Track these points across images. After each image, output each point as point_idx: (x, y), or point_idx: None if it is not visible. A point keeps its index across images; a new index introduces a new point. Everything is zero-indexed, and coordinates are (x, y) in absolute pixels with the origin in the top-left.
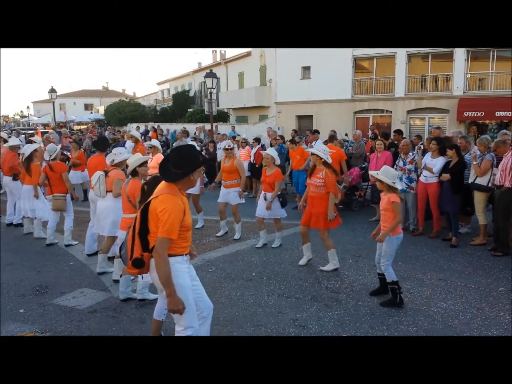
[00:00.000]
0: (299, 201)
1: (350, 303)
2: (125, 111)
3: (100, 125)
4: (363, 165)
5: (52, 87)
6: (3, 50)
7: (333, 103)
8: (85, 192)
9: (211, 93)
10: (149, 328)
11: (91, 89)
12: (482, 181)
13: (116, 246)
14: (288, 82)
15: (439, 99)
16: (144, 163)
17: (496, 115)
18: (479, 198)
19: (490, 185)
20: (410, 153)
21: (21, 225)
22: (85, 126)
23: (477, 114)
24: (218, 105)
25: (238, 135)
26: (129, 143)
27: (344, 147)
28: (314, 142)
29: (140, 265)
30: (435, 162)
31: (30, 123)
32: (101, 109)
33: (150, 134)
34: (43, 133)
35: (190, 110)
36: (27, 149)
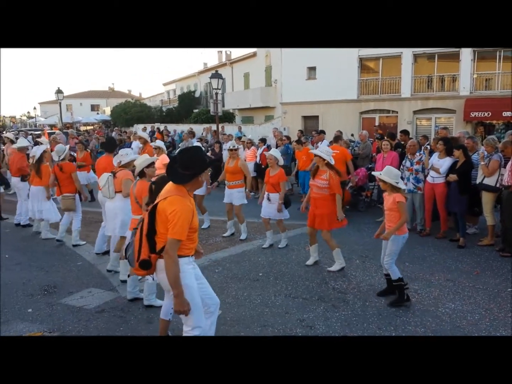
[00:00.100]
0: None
1: (357, 304)
2: (131, 112)
3: (107, 126)
4: (370, 166)
5: (58, 88)
6: (11, 51)
7: (339, 104)
8: (91, 193)
9: (216, 93)
10: (156, 328)
11: (98, 90)
12: (490, 181)
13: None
14: (293, 83)
15: (445, 100)
16: (152, 164)
17: (503, 115)
18: (487, 199)
19: (498, 185)
20: (417, 154)
21: (29, 225)
22: (92, 127)
23: (483, 114)
24: (223, 106)
25: (244, 135)
26: (135, 144)
27: (350, 148)
28: (320, 142)
29: (147, 266)
30: (442, 163)
31: (37, 124)
32: (108, 110)
33: (155, 135)
34: (50, 134)
35: (195, 110)
36: (37, 151)
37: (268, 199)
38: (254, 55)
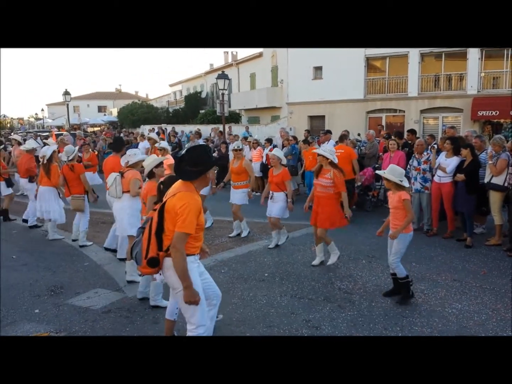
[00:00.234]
0: (312, 202)
1: (363, 304)
2: (138, 113)
3: (114, 127)
4: (376, 165)
5: (66, 89)
6: (19, 53)
7: (345, 103)
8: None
9: (223, 94)
10: (162, 328)
11: (105, 92)
12: (498, 180)
13: (126, 246)
14: (299, 83)
15: (452, 98)
16: (160, 164)
17: (511, 114)
18: (494, 198)
19: (506, 184)
20: (425, 153)
21: (36, 226)
22: (99, 128)
23: (491, 113)
24: (230, 106)
25: (250, 135)
26: (142, 145)
27: (357, 147)
28: (326, 142)
29: (155, 264)
30: (449, 162)
31: (45, 126)
32: (114, 111)
33: (160, 135)
34: (57, 135)
35: (202, 111)
36: (47, 150)
37: (271, 198)
38: (260, 55)
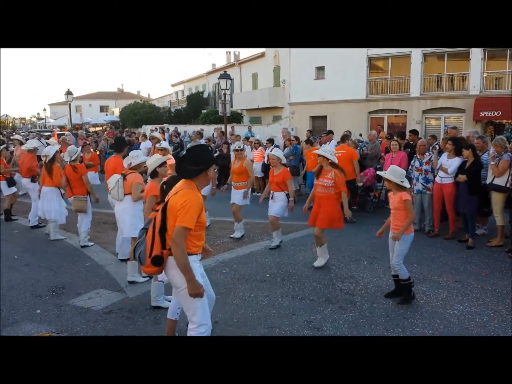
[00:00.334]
0: (313, 202)
1: (365, 305)
2: (140, 113)
3: (116, 127)
4: (378, 166)
5: (68, 89)
6: (21, 53)
7: (347, 103)
8: None
9: (225, 94)
10: (163, 329)
11: (107, 91)
12: (500, 181)
13: (128, 248)
14: (302, 83)
15: (455, 99)
16: (164, 163)
17: None
18: (496, 199)
19: (508, 185)
20: (427, 154)
21: (37, 226)
22: (101, 128)
23: (493, 113)
24: (232, 106)
25: (252, 135)
26: (144, 145)
27: (359, 148)
28: (328, 142)
29: (159, 262)
30: (451, 163)
31: (47, 125)
32: (117, 111)
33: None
34: (59, 135)
35: (204, 111)
36: (50, 150)
37: (272, 198)
38: (262, 55)
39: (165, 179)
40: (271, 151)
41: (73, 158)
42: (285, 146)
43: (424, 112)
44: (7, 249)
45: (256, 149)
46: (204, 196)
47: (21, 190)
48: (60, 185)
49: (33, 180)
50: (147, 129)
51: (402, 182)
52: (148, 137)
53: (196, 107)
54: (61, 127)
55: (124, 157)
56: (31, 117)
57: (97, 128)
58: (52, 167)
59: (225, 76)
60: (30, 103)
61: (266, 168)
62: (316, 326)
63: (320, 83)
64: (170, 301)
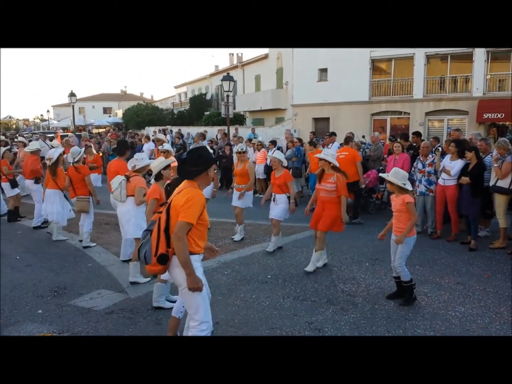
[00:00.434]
0: (314, 205)
1: (366, 307)
2: (143, 115)
3: (119, 129)
4: (381, 168)
5: (72, 91)
6: (25, 55)
7: (350, 105)
8: None
9: (228, 96)
10: (165, 329)
11: (110, 93)
12: (503, 183)
13: (130, 249)
14: (304, 85)
15: (458, 101)
16: (168, 166)
17: None
18: (499, 201)
19: (511, 187)
20: (430, 155)
21: (40, 227)
22: (104, 130)
23: (497, 115)
24: (234, 108)
25: (255, 137)
26: (147, 146)
27: (362, 150)
28: (331, 144)
29: (165, 260)
30: (454, 165)
31: (50, 127)
32: (120, 113)
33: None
34: (62, 137)
35: (206, 113)
36: (54, 153)
37: (274, 200)
38: (265, 57)
39: (168, 181)
40: (273, 152)
41: (76, 159)
42: (287, 148)
43: (427, 114)
44: (10, 250)
45: (259, 150)
46: (206, 199)
47: (24, 192)
48: (64, 188)
49: (36, 182)
50: (150, 130)
51: (404, 184)
52: (151, 139)
53: (199, 109)
54: (65, 129)
55: (126, 160)
56: (34, 119)
57: (100, 130)
58: (56, 169)
59: (228, 78)
60: (34, 104)
61: (268, 169)
62: (318, 327)
63: (323, 85)
64: (173, 301)
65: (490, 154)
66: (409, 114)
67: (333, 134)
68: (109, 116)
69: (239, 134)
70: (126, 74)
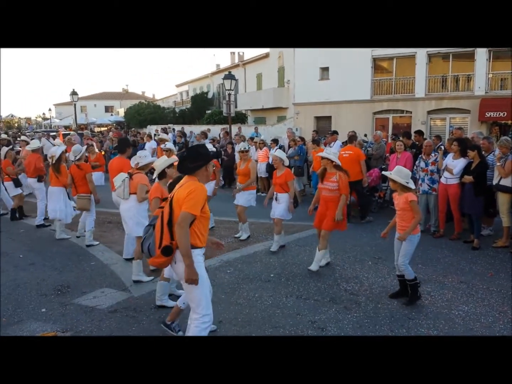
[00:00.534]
0: (318, 204)
1: (369, 306)
2: (144, 113)
3: (121, 127)
4: (383, 166)
5: (73, 90)
6: (27, 54)
7: (352, 104)
8: None
9: (229, 94)
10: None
11: (112, 92)
12: (507, 182)
13: (133, 247)
14: (306, 83)
15: (460, 99)
16: (172, 165)
17: None
18: (503, 200)
19: None
20: (432, 154)
21: (43, 225)
22: (106, 128)
23: (499, 114)
24: (236, 107)
25: (256, 135)
26: (149, 145)
27: (364, 148)
28: (333, 143)
29: (169, 252)
30: (456, 163)
31: (52, 125)
32: (121, 111)
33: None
34: (64, 135)
35: (208, 111)
36: (57, 151)
37: (275, 199)
38: (266, 56)
39: (171, 180)
40: (275, 151)
41: (78, 157)
42: (289, 147)
43: (429, 112)
44: (13, 248)
45: (261, 149)
46: (208, 197)
47: (26, 190)
48: (67, 185)
49: (39, 180)
50: (152, 129)
51: (407, 183)
52: (152, 138)
53: (201, 107)
54: (67, 127)
55: (128, 157)
56: (36, 117)
57: (102, 128)
58: (59, 167)
59: (230, 76)
60: (36, 103)
61: (270, 168)
62: (321, 326)
63: (325, 84)
64: (178, 296)
65: (493, 152)
66: (411, 112)
67: (335, 132)
68: (111, 115)
69: (242, 133)
70: (128, 73)
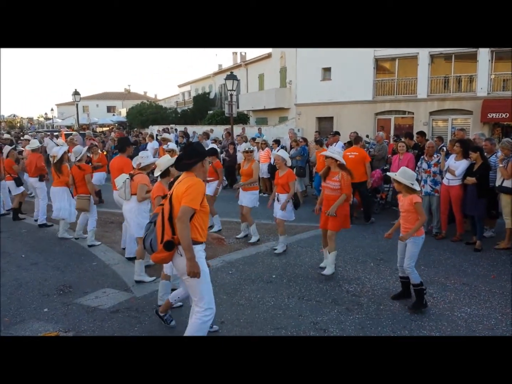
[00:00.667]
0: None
1: (371, 307)
2: (146, 113)
3: (123, 128)
4: (385, 167)
5: (76, 90)
6: (29, 54)
7: (354, 105)
8: (99, 193)
9: (231, 95)
10: (170, 328)
11: (114, 92)
12: (509, 183)
13: (135, 246)
14: (308, 84)
15: (462, 100)
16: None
17: None
18: (506, 201)
19: None
20: (435, 155)
21: (45, 225)
22: (107, 128)
23: (501, 115)
24: (238, 107)
25: (259, 136)
26: (150, 145)
27: (366, 149)
28: (334, 144)
29: (171, 247)
30: (458, 165)
31: (54, 125)
32: (123, 112)
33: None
34: (66, 135)
35: (210, 112)
36: (59, 151)
37: (277, 199)
38: (269, 56)
39: (171, 179)
40: (277, 151)
41: (78, 158)
42: (291, 147)
43: (431, 113)
44: (15, 248)
45: (263, 149)
46: (212, 197)
47: (29, 190)
48: (69, 185)
49: (41, 179)
50: (154, 129)
51: (412, 184)
52: (155, 138)
53: (203, 107)
54: (69, 127)
55: (128, 156)
56: (38, 117)
57: (104, 128)
58: (61, 167)
59: (232, 77)
60: (38, 103)
61: (272, 169)
62: (323, 327)
63: (327, 84)
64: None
65: (495, 154)
66: (413, 113)
67: (337, 133)
68: (113, 115)
69: (247, 133)
70: (130, 73)
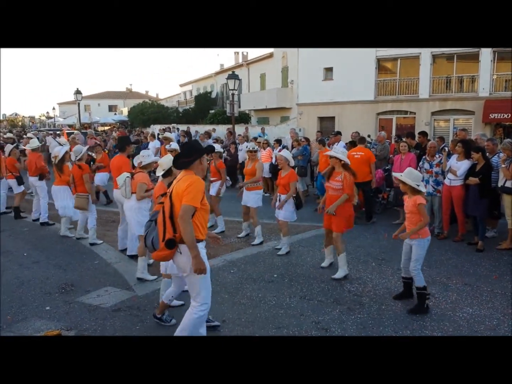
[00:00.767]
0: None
1: (373, 307)
2: (148, 113)
3: (125, 127)
4: (387, 167)
5: (77, 89)
6: (31, 53)
7: (355, 104)
8: (105, 194)
9: (233, 94)
10: (172, 327)
11: (115, 91)
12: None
13: (136, 243)
14: (310, 84)
15: (464, 101)
16: None
17: None
18: (508, 202)
19: None
20: (437, 156)
21: (47, 224)
22: (109, 127)
23: (503, 116)
24: (239, 107)
25: (260, 136)
26: (152, 144)
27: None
28: (336, 143)
29: (173, 245)
30: (460, 165)
31: (56, 124)
32: (125, 111)
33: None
34: (68, 134)
35: (212, 111)
36: (60, 150)
37: (279, 200)
38: (270, 56)
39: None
40: (279, 151)
41: (78, 158)
42: (292, 147)
43: (433, 113)
44: (17, 247)
45: (264, 149)
46: (215, 197)
47: (30, 189)
48: (69, 184)
49: (41, 178)
50: (155, 128)
51: (418, 185)
52: (156, 137)
53: (204, 107)
54: (70, 126)
55: (128, 155)
56: (40, 116)
57: (106, 128)
58: (62, 167)
59: (233, 76)
60: (40, 102)
61: (274, 168)
62: (324, 327)
63: (328, 84)
64: (179, 301)
65: (497, 154)
66: (415, 113)
67: (339, 133)
68: (115, 114)
69: (250, 133)
70: (132, 72)
